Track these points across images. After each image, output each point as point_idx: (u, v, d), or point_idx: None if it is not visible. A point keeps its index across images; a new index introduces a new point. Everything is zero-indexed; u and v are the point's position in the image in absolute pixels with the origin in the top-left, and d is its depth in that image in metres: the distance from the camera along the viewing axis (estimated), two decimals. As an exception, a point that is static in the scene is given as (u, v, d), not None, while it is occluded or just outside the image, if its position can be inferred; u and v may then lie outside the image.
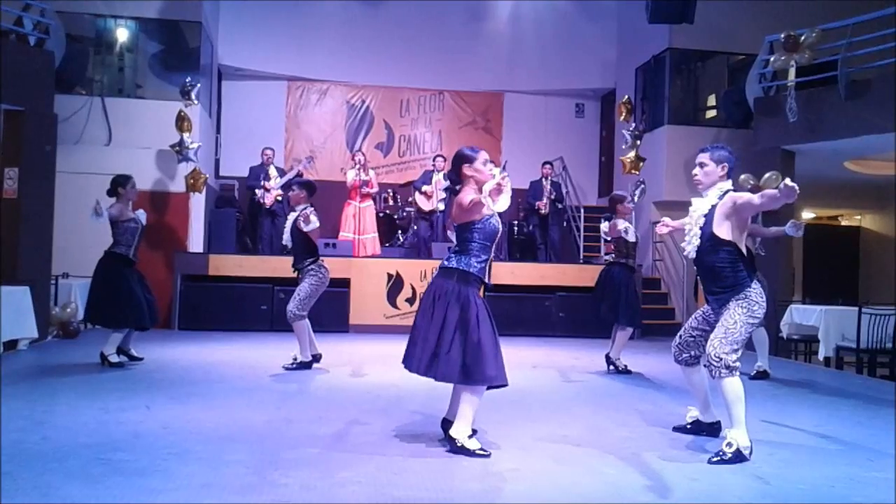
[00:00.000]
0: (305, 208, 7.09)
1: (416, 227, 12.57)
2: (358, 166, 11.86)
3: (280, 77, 14.44)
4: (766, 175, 10.02)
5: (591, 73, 15.02)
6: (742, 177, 9.95)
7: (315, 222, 6.94)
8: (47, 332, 8.90)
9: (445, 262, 4.35)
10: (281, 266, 9.44)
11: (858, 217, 15.46)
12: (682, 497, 3.60)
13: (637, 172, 11.85)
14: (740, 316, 4.27)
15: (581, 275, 11.25)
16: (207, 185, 11.48)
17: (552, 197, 12.44)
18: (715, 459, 4.17)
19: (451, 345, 4.14)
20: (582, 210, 13.56)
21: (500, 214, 4.33)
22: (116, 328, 7.09)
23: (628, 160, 11.85)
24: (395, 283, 11.04)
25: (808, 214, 14.98)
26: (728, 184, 4.43)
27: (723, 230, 4.31)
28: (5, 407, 4.98)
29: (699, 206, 4.45)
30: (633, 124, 11.91)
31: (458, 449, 4.18)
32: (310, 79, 14.59)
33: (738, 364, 4.25)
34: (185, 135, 10.90)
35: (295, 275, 7.28)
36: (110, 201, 7.11)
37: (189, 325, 10.50)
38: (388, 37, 14.36)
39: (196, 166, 11.10)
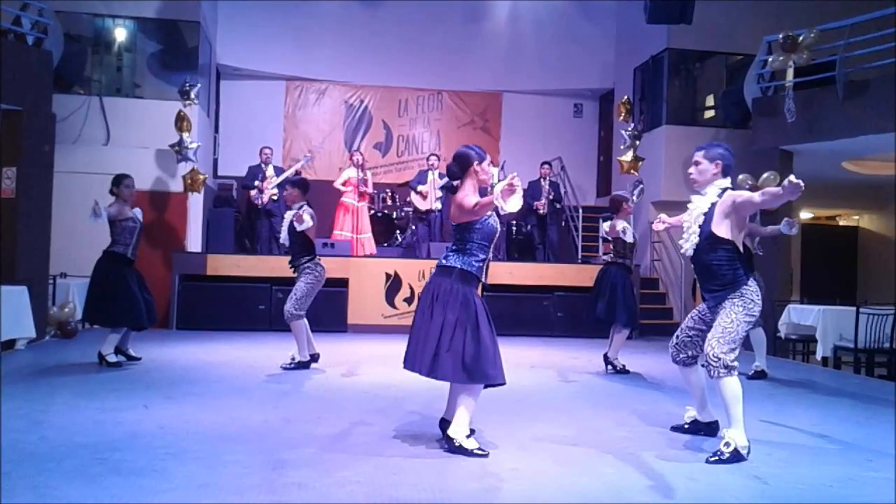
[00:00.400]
0: (301, 206, 7.08)
1: (414, 227, 12.56)
2: (357, 166, 11.85)
3: (278, 77, 14.44)
4: (765, 175, 10.03)
5: (590, 73, 15.04)
6: (740, 177, 9.96)
7: (308, 221, 6.91)
8: (45, 332, 8.89)
9: (443, 261, 4.34)
10: (279, 266, 9.43)
11: (856, 217, 15.48)
12: (680, 497, 3.60)
13: (636, 173, 11.86)
14: (737, 315, 4.27)
15: (579, 275, 11.25)
16: (205, 185, 11.47)
17: (550, 197, 12.44)
18: (713, 459, 4.17)
19: (452, 344, 4.13)
20: (580, 210, 13.56)
21: (497, 214, 4.33)
22: (114, 328, 7.09)
23: (626, 161, 11.86)
24: (394, 283, 11.04)
25: (806, 214, 14.99)
26: (727, 182, 4.43)
27: (722, 229, 4.31)
28: (3, 407, 4.97)
29: (699, 205, 4.44)
30: (632, 124, 11.92)
31: (456, 449, 4.18)
32: (308, 78, 14.60)
33: (736, 363, 4.25)
34: (185, 134, 10.90)
35: (292, 273, 7.28)
36: (109, 200, 7.11)
37: (187, 325, 10.49)
38: (386, 37, 14.37)
39: (194, 166, 11.10)
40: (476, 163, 4.36)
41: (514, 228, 12.95)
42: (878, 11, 9.82)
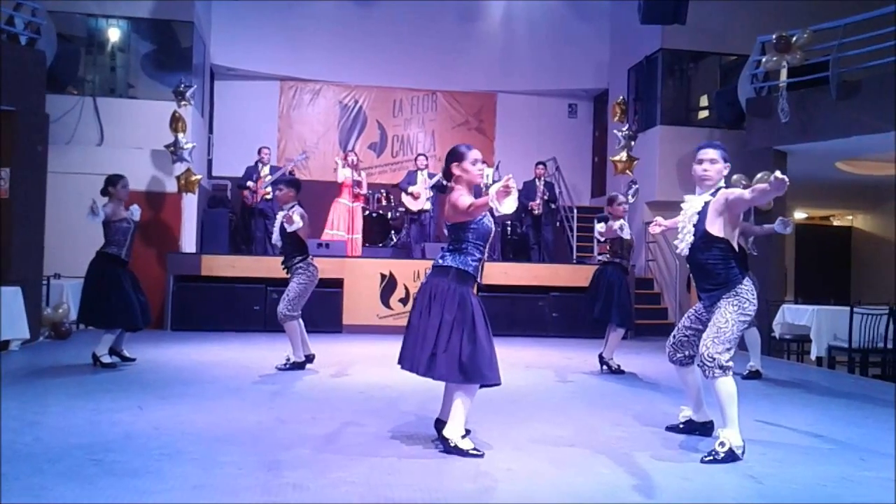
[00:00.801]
0: (293, 206, 7.06)
1: (408, 228, 12.55)
2: (351, 166, 11.84)
3: (273, 77, 14.43)
4: (759, 175, 10.04)
5: (584, 73, 15.06)
6: (735, 177, 9.96)
7: (298, 222, 6.86)
8: (39, 333, 8.87)
9: (440, 261, 4.33)
10: (274, 266, 9.36)
11: (850, 217, 15.53)
12: (675, 497, 3.61)
13: (630, 173, 11.88)
14: (731, 314, 4.28)
15: (574, 275, 11.26)
16: (200, 186, 11.45)
17: (545, 197, 12.45)
18: (708, 459, 4.18)
19: (449, 344, 4.12)
20: (575, 210, 13.59)
21: (492, 214, 4.33)
22: (108, 329, 7.07)
23: (620, 161, 11.88)
24: (389, 284, 11.03)
25: (800, 214, 15.03)
26: (721, 181, 4.45)
27: (715, 227, 4.32)
28: (-3, 408, 4.96)
29: (693, 204, 4.45)
30: (627, 125, 11.94)
31: (451, 449, 4.17)
32: (302, 79, 14.59)
33: (731, 364, 4.26)
34: (180, 135, 10.88)
35: (285, 273, 7.26)
36: (103, 201, 7.08)
37: (182, 326, 10.47)
38: (380, 37, 14.37)
39: (189, 167, 11.08)
40: (455, 163, 4.32)
41: (509, 229, 12.96)
42: (870, 12, 9.85)
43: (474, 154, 4.35)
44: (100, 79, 12.01)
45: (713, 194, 4.38)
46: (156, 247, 11.06)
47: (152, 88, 11.88)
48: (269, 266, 10.26)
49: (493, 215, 4.27)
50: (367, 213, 12.47)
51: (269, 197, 11.57)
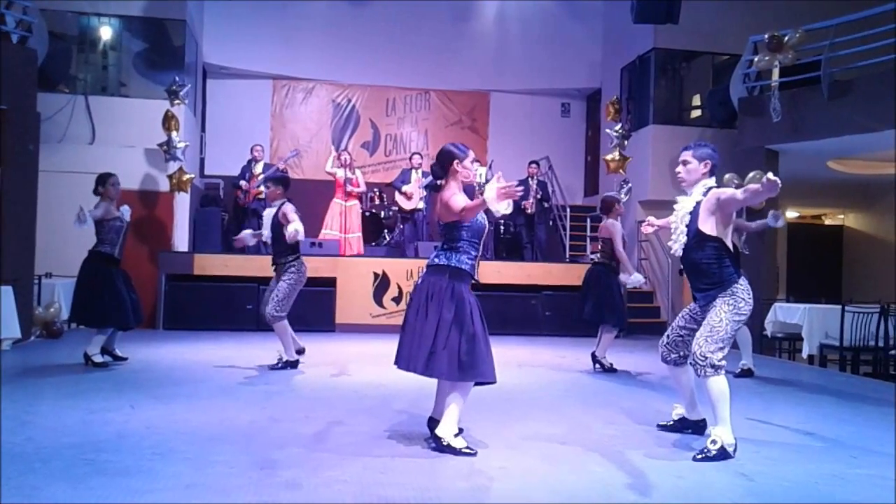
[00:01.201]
0: (283, 204, 7.05)
1: (401, 227, 12.55)
2: (344, 165, 11.83)
3: (265, 76, 14.40)
4: (751, 174, 10.08)
5: (577, 72, 15.07)
6: (726, 176, 10.01)
7: (296, 220, 6.81)
8: (30, 333, 8.83)
9: (435, 260, 4.32)
10: (266, 265, 9.31)
11: (842, 216, 15.58)
12: (667, 494, 3.62)
13: (623, 172, 11.90)
14: (726, 314, 4.29)
15: (567, 274, 11.28)
16: (192, 185, 11.41)
17: (538, 196, 12.46)
18: (699, 457, 4.19)
19: (448, 341, 4.13)
20: (568, 209, 13.59)
21: (486, 212, 4.34)
22: (100, 328, 7.04)
23: (612, 160, 11.90)
24: (382, 283, 11.02)
25: (792, 213, 15.07)
26: (712, 181, 4.48)
27: (708, 226, 4.34)
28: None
29: (685, 204, 4.47)
30: (620, 124, 11.96)
31: (444, 448, 4.18)
32: (295, 77, 14.56)
33: (723, 363, 4.27)
34: (173, 134, 10.85)
35: (273, 270, 7.22)
36: (94, 202, 7.04)
37: (174, 325, 10.44)
38: (374, 36, 14.35)
39: (181, 165, 11.05)
40: (457, 161, 4.35)
41: (502, 228, 12.96)
42: (862, 12, 9.89)
43: (471, 154, 4.42)
44: (91, 77, 11.96)
45: (705, 194, 4.40)
46: (148, 246, 11.03)
47: (144, 87, 11.84)
48: (261, 265, 10.20)
49: (487, 213, 4.28)
50: (361, 212, 12.45)
51: (262, 196, 11.54)
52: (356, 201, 12.09)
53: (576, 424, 5.13)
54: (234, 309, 10.56)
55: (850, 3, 10.36)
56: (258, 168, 12.00)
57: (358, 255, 11.65)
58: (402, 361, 4.28)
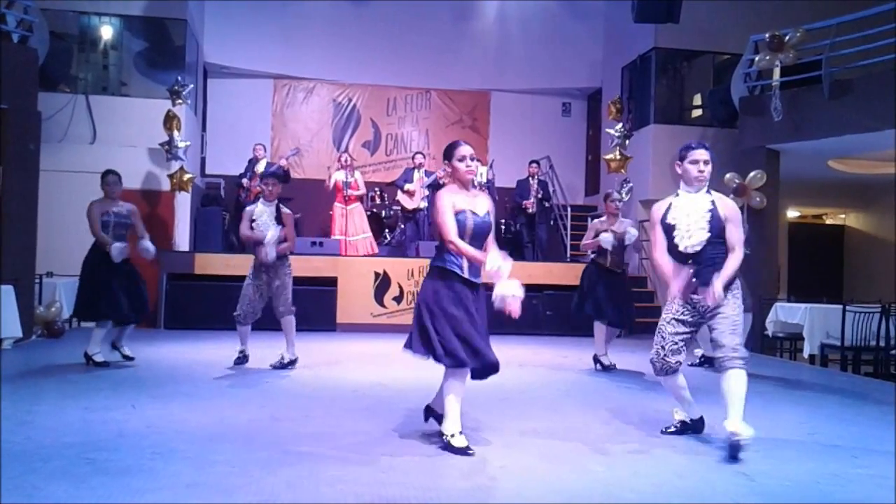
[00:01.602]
0: (281, 206, 7.20)
1: (402, 226, 12.53)
2: (344, 166, 11.81)
3: (266, 75, 14.40)
4: (751, 174, 10.09)
5: (578, 72, 15.07)
6: (727, 175, 10.01)
7: (294, 238, 7.28)
8: (31, 332, 8.83)
9: (431, 261, 4.40)
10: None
11: (843, 216, 15.57)
12: (668, 494, 3.62)
13: (624, 171, 11.89)
14: (736, 307, 4.48)
15: (568, 273, 11.25)
16: (193, 184, 11.42)
17: (539, 195, 12.46)
18: (735, 449, 4.22)
19: (419, 321, 4.26)
20: (569, 209, 13.58)
21: (486, 213, 4.36)
22: (93, 321, 7.05)
23: (613, 159, 11.89)
24: (383, 282, 11.01)
25: (793, 213, 15.07)
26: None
27: (726, 227, 4.51)
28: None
29: (698, 203, 4.49)
30: (621, 123, 11.95)
31: (445, 445, 4.18)
32: (296, 77, 14.56)
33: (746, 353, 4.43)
34: (175, 133, 10.85)
35: (260, 268, 7.20)
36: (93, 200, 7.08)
37: (175, 324, 10.44)
38: (374, 35, 14.35)
39: (182, 165, 11.05)
40: (445, 161, 4.42)
41: (503, 227, 12.96)
42: (862, 11, 9.89)
43: (461, 150, 4.33)
44: (92, 77, 11.97)
45: (707, 192, 4.53)
46: (149, 245, 11.01)
47: (145, 86, 11.85)
48: (262, 264, 10.22)
49: (481, 213, 4.32)
50: (364, 213, 12.43)
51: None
52: (357, 203, 12.08)
53: (577, 424, 5.12)
54: (234, 308, 10.51)
55: (851, 3, 10.35)
56: (260, 167, 11.99)
57: (372, 255, 11.59)
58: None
